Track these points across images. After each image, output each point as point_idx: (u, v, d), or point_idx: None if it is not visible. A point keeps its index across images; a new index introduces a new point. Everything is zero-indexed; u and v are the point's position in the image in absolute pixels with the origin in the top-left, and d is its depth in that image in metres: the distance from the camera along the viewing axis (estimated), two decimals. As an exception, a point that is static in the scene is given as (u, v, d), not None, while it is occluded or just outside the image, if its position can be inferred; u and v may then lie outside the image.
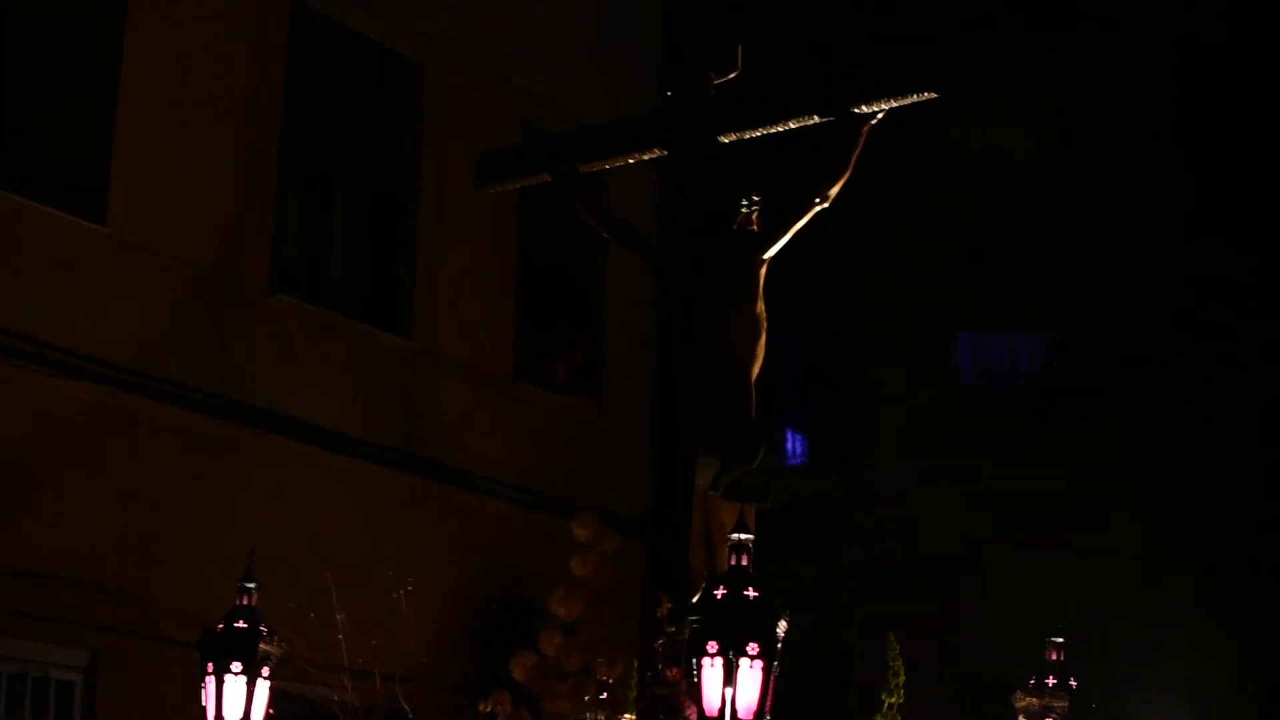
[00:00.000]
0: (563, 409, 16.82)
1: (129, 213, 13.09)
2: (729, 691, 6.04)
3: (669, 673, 6.79)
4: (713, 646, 6.06)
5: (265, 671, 7.43)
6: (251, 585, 7.75)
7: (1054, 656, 7.46)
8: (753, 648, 6.04)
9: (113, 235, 12.98)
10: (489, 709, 7.51)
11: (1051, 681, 7.34)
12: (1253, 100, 20.76)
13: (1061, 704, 7.28)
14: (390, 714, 8.02)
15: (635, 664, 7.42)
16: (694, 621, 6.16)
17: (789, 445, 20.95)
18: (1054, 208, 20.04)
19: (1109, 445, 19.71)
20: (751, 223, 7.89)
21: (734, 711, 6.04)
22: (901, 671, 7.32)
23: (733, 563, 6.22)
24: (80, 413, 12.56)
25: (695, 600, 6.66)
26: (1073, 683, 7.34)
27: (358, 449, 14.48)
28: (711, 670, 6.06)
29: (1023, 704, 7.37)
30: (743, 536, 6.24)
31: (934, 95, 7.31)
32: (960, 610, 18.20)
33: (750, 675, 6.04)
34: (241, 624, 7.53)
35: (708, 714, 6.09)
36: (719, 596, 6.11)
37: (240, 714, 7.37)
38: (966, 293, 20.06)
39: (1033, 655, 8.04)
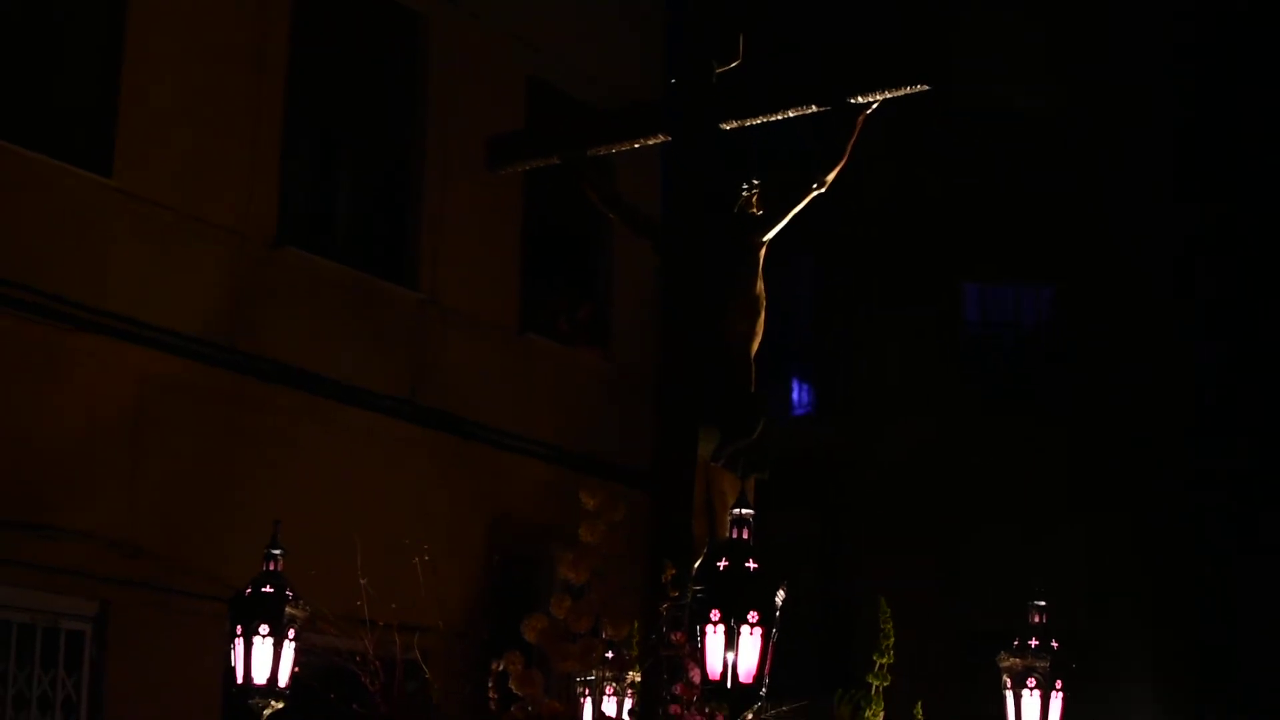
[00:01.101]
0: (569, 360, 17.28)
1: (135, 165, 13.50)
2: (730, 656, 6.73)
3: (673, 636, 7.57)
4: (715, 615, 6.73)
5: (291, 634, 8.08)
6: (278, 552, 8.31)
7: (1036, 619, 8.13)
8: (753, 616, 6.72)
9: (119, 187, 13.39)
10: (502, 668, 8.15)
11: (1034, 643, 8.05)
12: (1248, 54, 21.31)
13: (1043, 664, 7.99)
14: (405, 667, 8.58)
15: (636, 626, 8.17)
16: (698, 591, 6.86)
17: (794, 396, 21.49)
18: (1057, 161, 20.60)
19: (1112, 396, 20.33)
20: (751, 206, 8.62)
21: (735, 675, 6.72)
22: (892, 633, 8.05)
23: (734, 535, 6.90)
24: (85, 364, 13.01)
25: (698, 568, 7.42)
26: (1054, 644, 8.04)
27: (364, 400, 14.95)
28: (714, 637, 6.74)
29: (1006, 664, 8.05)
30: (744, 511, 6.93)
31: (927, 88, 8.04)
32: (963, 562, 18.74)
33: (750, 642, 6.73)
34: (269, 588, 8.12)
35: (710, 677, 6.76)
36: (721, 568, 6.77)
37: (267, 675, 8.05)
38: (971, 245, 20.62)
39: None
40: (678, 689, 7.49)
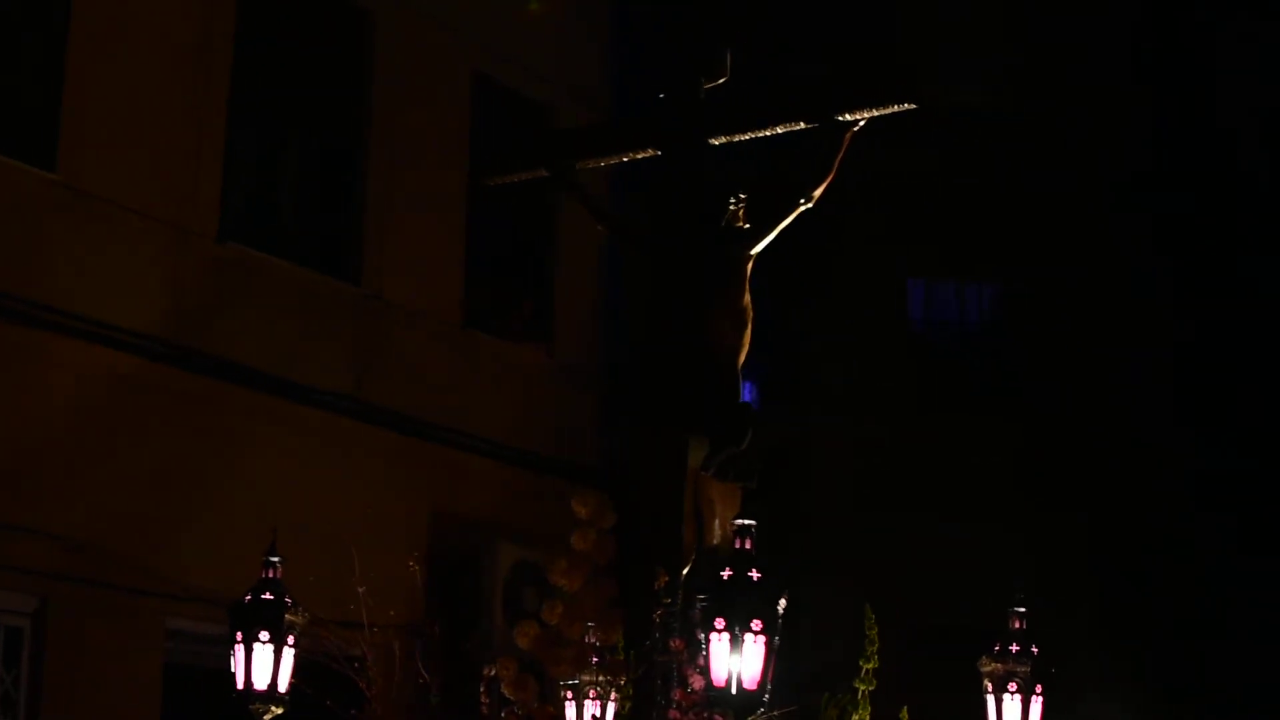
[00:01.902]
0: (513, 356, 17.45)
1: (78, 159, 13.56)
2: (735, 663, 7.06)
3: (672, 643, 7.92)
4: (720, 623, 7.06)
5: (290, 640, 8.34)
6: (276, 559, 8.51)
7: (1016, 625, 8.48)
8: (756, 624, 7.06)
9: (61, 181, 13.45)
10: (493, 673, 8.47)
11: (1015, 648, 8.42)
12: (1209, 54, 21.80)
13: (1024, 669, 8.36)
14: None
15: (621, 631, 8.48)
16: (703, 600, 7.21)
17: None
18: (1005, 156, 20.93)
19: (1058, 394, 20.72)
20: (739, 219, 8.98)
21: (740, 682, 7.06)
22: (877, 638, 8.44)
23: (737, 546, 7.22)
24: (25, 360, 13.05)
25: (689, 574, 7.79)
26: (1034, 649, 8.42)
27: (308, 396, 15.05)
28: (719, 645, 7.07)
29: (988, 669, 8.38)
30: (747, 522, 7.26)
31: (913, 106, 8.41)
32: (911, 559, 19.03)
33: (754, 649, 7.06)
34: (268, 595, 8.35)
35: (715, 684, 7.08)
36: (725, 577, 7.11)
37: (268, 681, 8.30)
38: (916, 241, 20.94)
39: (985, 604, 9.13)
40: (676, 695, 7.85)
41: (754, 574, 7.13)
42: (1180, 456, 20.71)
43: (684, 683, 7.84)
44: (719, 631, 7.09)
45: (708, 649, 7.12)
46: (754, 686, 7.10)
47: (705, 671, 7.17)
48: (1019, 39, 21.13)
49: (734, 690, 7.07)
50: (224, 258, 14.77)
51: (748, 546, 7.23)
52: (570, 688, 8.24)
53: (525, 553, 16.03)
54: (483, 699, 8.45)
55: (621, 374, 18.10)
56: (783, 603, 7.19)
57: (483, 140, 16.57)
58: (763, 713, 7.27)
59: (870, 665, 8.40)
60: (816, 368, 20.78)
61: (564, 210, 17.26)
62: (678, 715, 7.82)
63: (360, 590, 8.93)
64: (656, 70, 17.00)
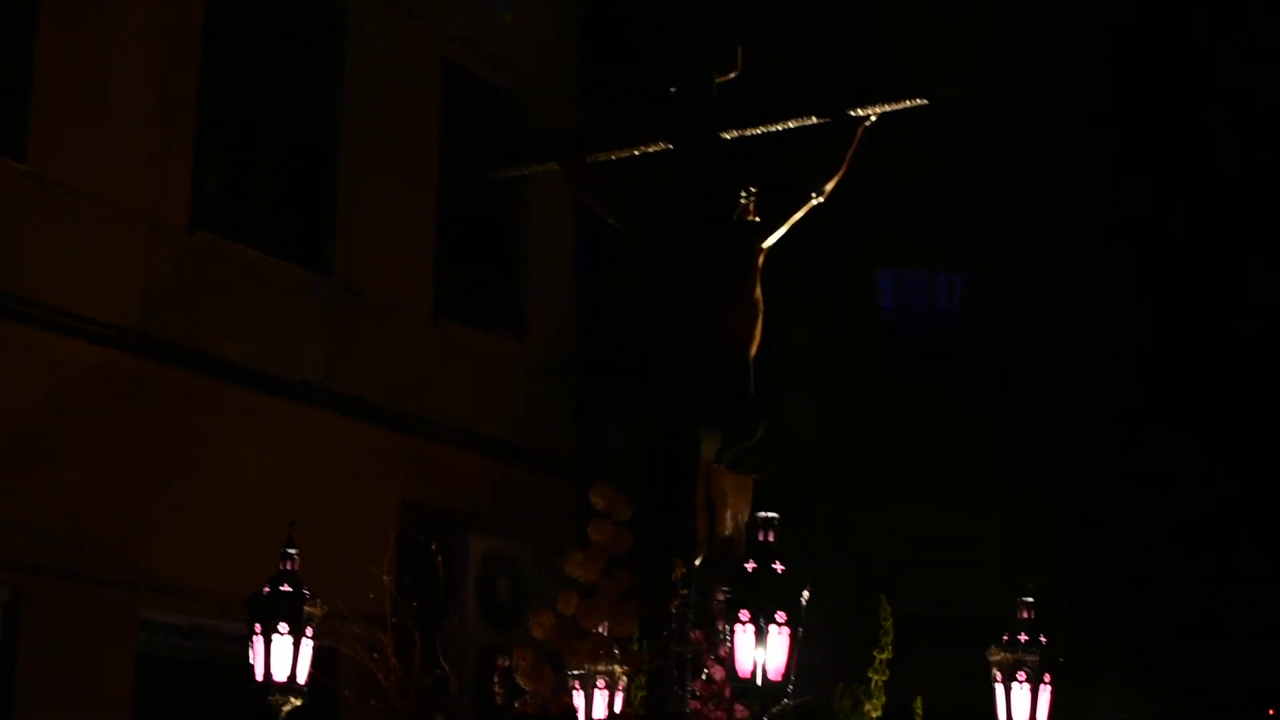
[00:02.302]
0: (484, 346, 17.72)
1: (48, 150, 13.76)
2: (760, 655, 7.29)
3: (693, 634, 8.23)
4: (745, 615, 7.25)
5: (309, 632, 8.54)
6: (293, 551, 8.69)
7: (1024, 615, 8.80)
8: (781, 616, 7.25)
9: (32, 173, 13.65)
10: (507, 663, 8.75)
11: (1023, 638, 8.78)
12: (1176, 46, 22.16)
13: (1033, 659, 8.70)
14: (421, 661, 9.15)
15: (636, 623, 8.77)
16: (728, 592, 7.45)
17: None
18: (976, 146, 21.27)
19: (1058, 393, 21.06)
20: (750, 212, 9.27)
21: (765, 673, 7.28)
22: (892, 629, 8.75)
23: (760, 539, 7.38)
24: None
25: (702, 566, 8.09)
26: (1042, 639, 8.78)
27: (279, 387, 15.26)
28: (744, 636, 7.26)
29: (997, 659, 8.71)
30: (769, 515, 7.44)
31: (924, 102, 8.75)
32: (882, 550, 19.34)
33: (779, 640, 7.26)
34: (286, 587, 8.54)
35: (740, 675, 7.25)
36: (750, 570, 7.30)
37: (287, 672, 8.52)
38: (914, 240, 21.23)
39: (985, 602, 9.46)
40: (695, 685, 8.15)
41: (778, 566, 7.36)
42: (1180, 456, 21.05)
43: (702, 673, 8.14)
44: (744, 623, 7.27)
45: (732, 640, 7.29)
46: (779, 677, 7.29)
47: (729, 662, 7.35)
48: (1018, 39, 21.44)
49: (759, 681, 7.28)
50: (195, 248, 14.92)
51: (770, 539, 7.40)
52: (578, 678, 8.42)
53: (497, 543, 16.33)
54: (497, 689, 8.72)
55: (594, 365, 18.39)
56: (805, 594, 7.40)
57: (454, 131, 16.92)
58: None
59: (884, 655, 8.67)
60: (814, 364, 21.04)
61: (536, 201, 17.58)
62: (697, 705, 8.11)
63: (386, 580, 9.15)
64: (630, 63, 17.53)
